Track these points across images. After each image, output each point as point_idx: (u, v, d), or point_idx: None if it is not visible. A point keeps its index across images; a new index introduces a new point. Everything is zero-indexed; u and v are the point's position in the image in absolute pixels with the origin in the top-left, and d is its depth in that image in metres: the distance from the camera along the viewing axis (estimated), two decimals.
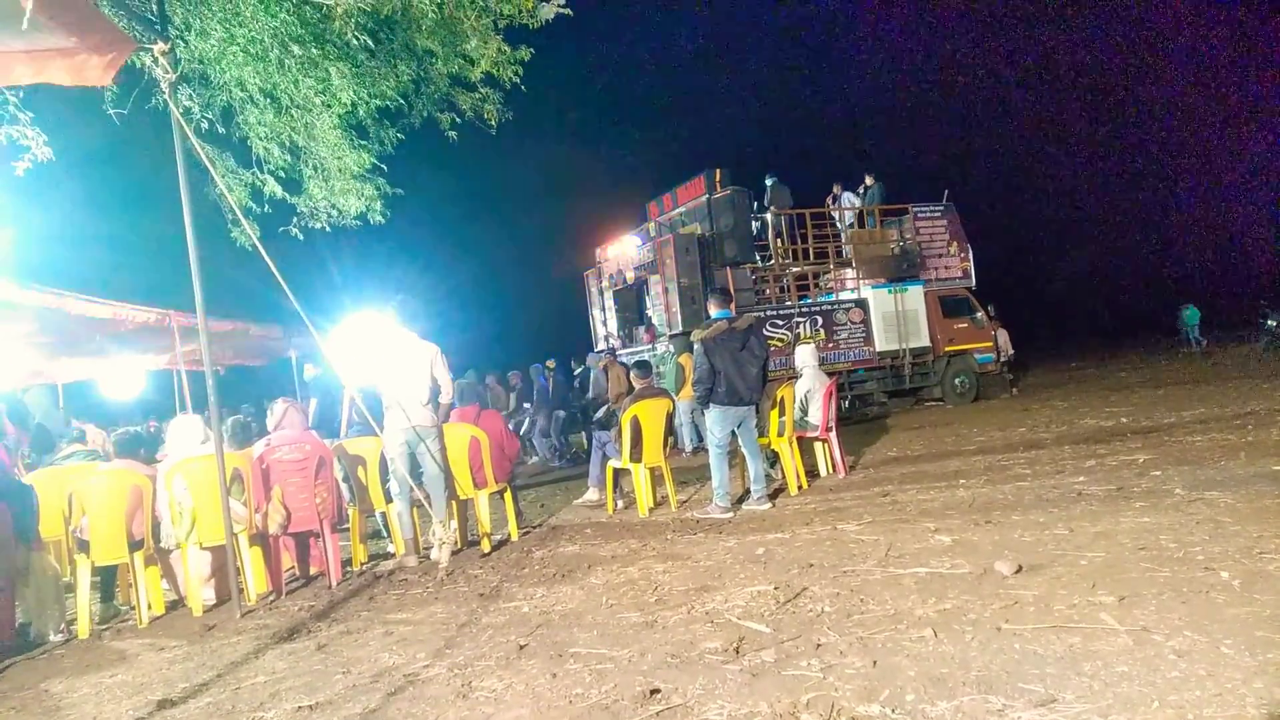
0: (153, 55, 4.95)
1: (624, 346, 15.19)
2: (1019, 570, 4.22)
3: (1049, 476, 6.88)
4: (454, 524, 6.81)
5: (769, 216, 15.35)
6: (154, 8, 6.27)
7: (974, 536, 5.10)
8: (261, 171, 8.94)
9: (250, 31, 7.33)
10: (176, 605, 5.92)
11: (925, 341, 15.24)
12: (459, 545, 6.55)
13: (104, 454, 6.84)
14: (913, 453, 9.61)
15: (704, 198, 14.57)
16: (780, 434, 7.80)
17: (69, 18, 3.82)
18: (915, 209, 15.98)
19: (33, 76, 4.12)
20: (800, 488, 7.67)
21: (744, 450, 7.14)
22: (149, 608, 5.56)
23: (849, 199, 16.45)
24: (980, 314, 15.96)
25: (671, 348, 13.01)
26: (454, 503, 6.87)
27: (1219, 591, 3.59)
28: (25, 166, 7.23)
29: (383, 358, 6.41)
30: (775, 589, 4.43)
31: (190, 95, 8.20)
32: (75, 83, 4.28)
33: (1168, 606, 3.47)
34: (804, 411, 8.41)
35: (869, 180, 16.56)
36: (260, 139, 8.66)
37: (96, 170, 11.06)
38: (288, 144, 8.80)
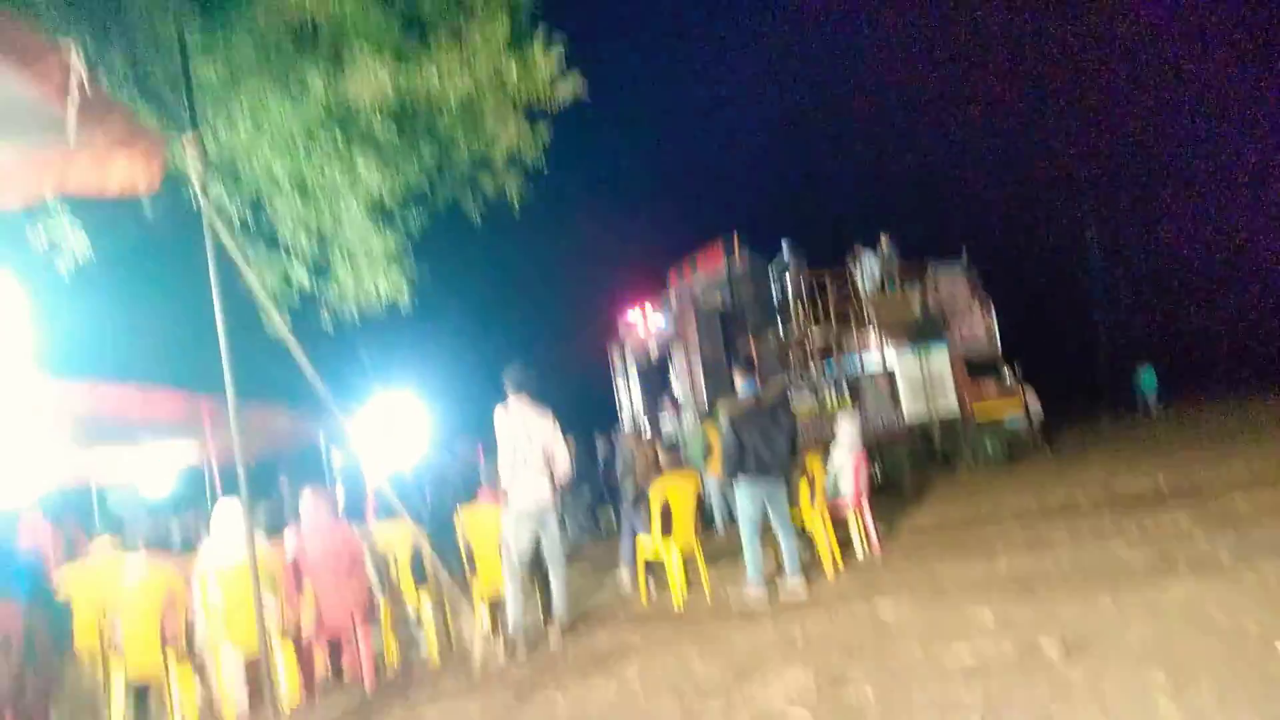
0: (183, 147, 5.09)
1: (648, 419, 15.14)
2: (1066, 649, 4.10)
3: (1090, 544, 6.73)
4: (486, 615, 6.72)
5: (788, 282, 15.36)
6: (185, 103, 6.50)
7: (1016, 612, 4.97)
8: (290, 259, 9.12)
9: (278, 123, 7.55)
10: (211, 709, 5.86)
11: (953, 405, 15.07)
12: (492, 637, 6.45)
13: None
14: (948, 521, 9.45)
15: (722, 264, 14.65)
16: (812, 507, 7.69)
17: (103, 121, 3.93)
18: (934, 268, 15.95)
19: (73, 185, 4.24)
20: (835, 562, 7.53)
21: (775, 526, 7.03)
22: (182, 715, 5.50)
23: (869, 260, 16.44)
24: (1007, 375, 15.79)
25: (697, 420, 12.96)
26: (486, 593, 6.78)
27: (1277, 664, 3.47)
28: (67, 265, 7.41)
29: (503, 427, 6.20)
30: (816, 676, 4.32)
31: (220, 187, 8.42)
32: (118, 190, 4.39)
33: (1225, 686, 3.36)
34: (835, 483, 8.31)
35: (884, 240, 16.56)
36: (288, 226, 8.85)
37: (131, 265, 11.32)
38: (315, 230, 8.99)
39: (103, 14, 6.96)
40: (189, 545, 6.83)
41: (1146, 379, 24.15)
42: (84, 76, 3.43)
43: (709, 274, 15.12)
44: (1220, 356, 35.92)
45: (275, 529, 6.40)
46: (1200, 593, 4.75)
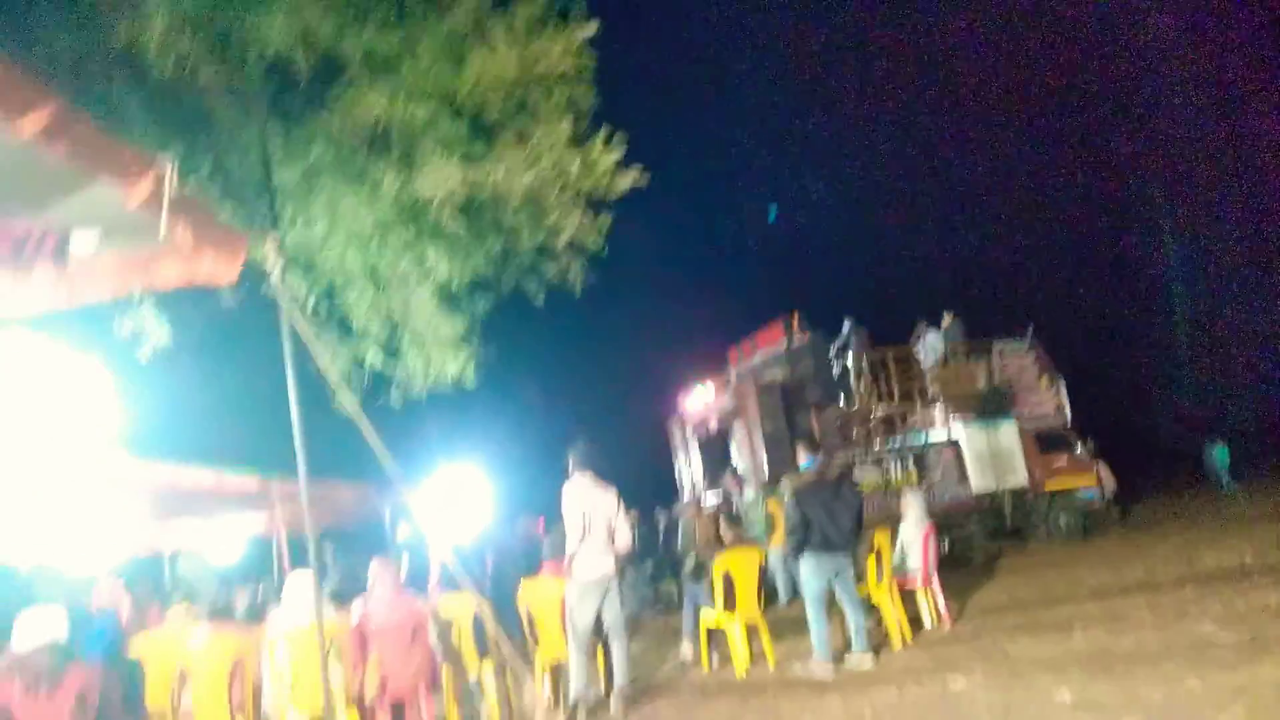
0: (265, 248, 5.37)
1: (710, 495, 15.05)
2: None
3: (1173, 623, 6.45)
4: (548, 686, 6.69)
5: (850, 359, 15.32)
6: (265, 205, 6.89)
7: (1098, 693, 4.79)
8: (361, 342, 9.42)
9: (352, 220, 7.90)
10: None
11: (1023, 479, 14.69)
12: (554, 708, 6.40)
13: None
14: (1021, 598, 9.14)
15: (783, 342, 14.68)
16: (879, 581, 7.54)
17: (193, 225, 4.19)
18: (999, 344, 15.77)
19: (159, 282, 4.50)
20: (904, 640, 7.33)
21: (842, 601, 6.90)
22: None
23: (933, 337, 16.34)
24: (1080, 449, 15.38)
25: (760, 494, 12.84)
26: (547, 663, 6.78)
27: None
28: (147, 353, 7.76)
29: (570, 502, 6.36)
30: None
31: (296, 278, 8.79)
32: (196, 281, 4.65)
33: None
34: (904, 557, 8.14)
35: (948, 318, 16.46)
36: (360, 313, 9.17)
37: (208, 351, 11.79)
38: (386, 316, 9.29)
39: (193, 123, 7.43)
40: (255, 613, 6.95)
41: (1220, 455, 23.49)
42: (175, 184, 3.70)
43: (769, 350, 15.16)
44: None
45: (343, 600, 6.49)
46: None
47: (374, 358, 9.45)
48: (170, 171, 3.68)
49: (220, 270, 4.68)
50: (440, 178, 7.52)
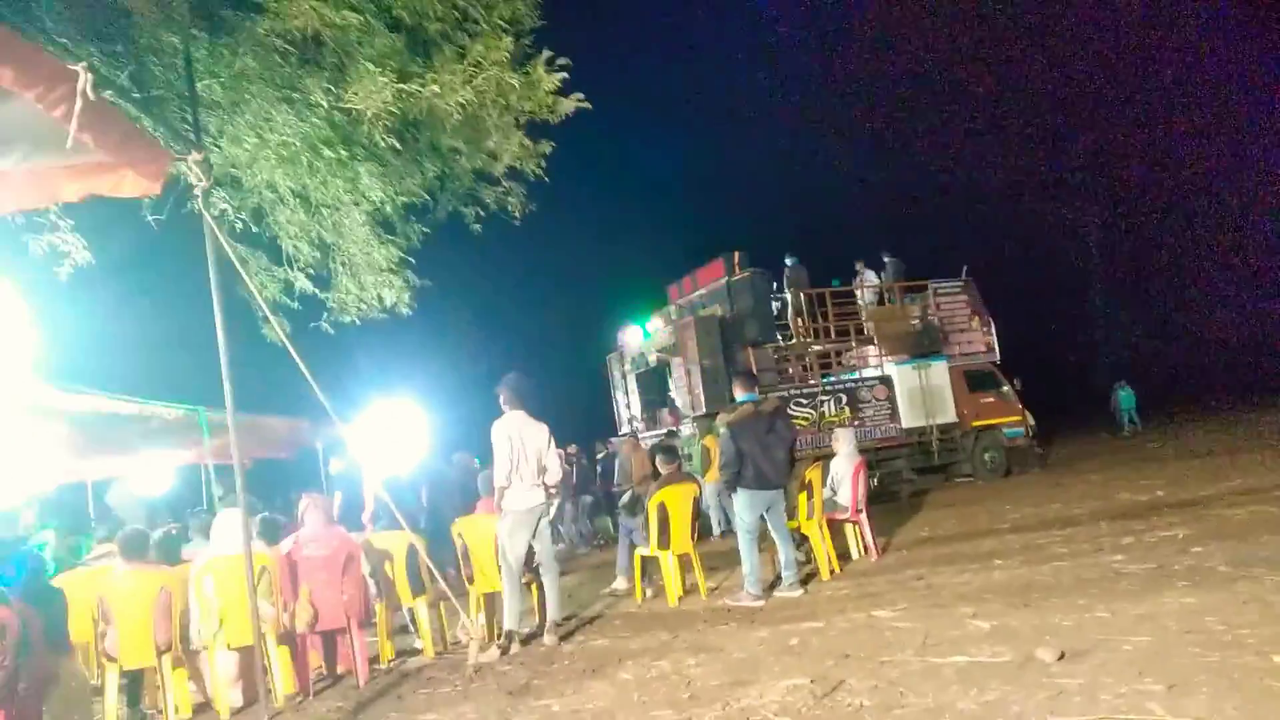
0: (188, 165, 5.13)
1: (647, 429, 15.16)
2: (1062, 657, 4.10)
3: (1087, 555, 6.73)
4: (482, 618, 6.74)
5: (789, 296, 15.44)
6: (189, 119, 6.54)
7: (1013, 621, 4.98)
8: (292, 269, 9.14)
9: (281, 137, 7.58)
10: (204, 708, 5.84)
11: (952, 417, 15.09)
12: (487, 640, 6.45)
13: None
14: (945, 532, 9.45)
15: (723, 279, 14.70)
16: (810, 516, 7.70)
17: (111, 136, 3.98)
18: (934, 285, 16.02)
19: (76, 193, 4.29)
20: (832, 572, 7.53)
21: (774, 535, 7.04)
22: (176, 711, 5.50)
23: (871, 277, 16.55)
24: (1007, 388, 15.81)
25: (696, 430, 12.98)
26: (481, 596, 6.82)
27: (1273, 677, 3.47)
28: (66, 272, 7.44)
29: (501, 435, 6.32)
30: (811, 682, 4.32)
31: (223, 198, 8.45)
32: (116, 195, 4.44)
33: (1220, 695, 3.36)
34: (834, 492, 8.32)
35: (887, 258, 16.67)
36: (290, 237, 8.87)
37: (131, 273, 11.35)
38: (317, 241, 9.01)
39: (109, 30, 7.00)
40: (174, 546, 6.80)
41: (1125, 398, 24.48)
42: (90, 92, 3.48)
43: (710, 287, 15.18)
44: (1188, 377, 36.54)
45: (274, 540, 6.40)
46: (1197, 604, 4.76)
47: (304, 283, 9.19)
48: (84, 79, 3.47)
49: (140, 184, 4.47)
50: (373, 94, 7.23)
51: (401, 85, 7.42)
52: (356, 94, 7.38)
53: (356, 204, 8.44)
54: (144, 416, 8.19)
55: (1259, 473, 10.13)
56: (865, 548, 8.31)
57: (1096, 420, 25.67)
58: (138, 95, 7.33)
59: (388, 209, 8.64)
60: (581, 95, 8.22)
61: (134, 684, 5.96)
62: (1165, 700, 3.38)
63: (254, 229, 8.89)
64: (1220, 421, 20.98)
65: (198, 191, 5.27)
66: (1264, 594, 4.75)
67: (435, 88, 7.52)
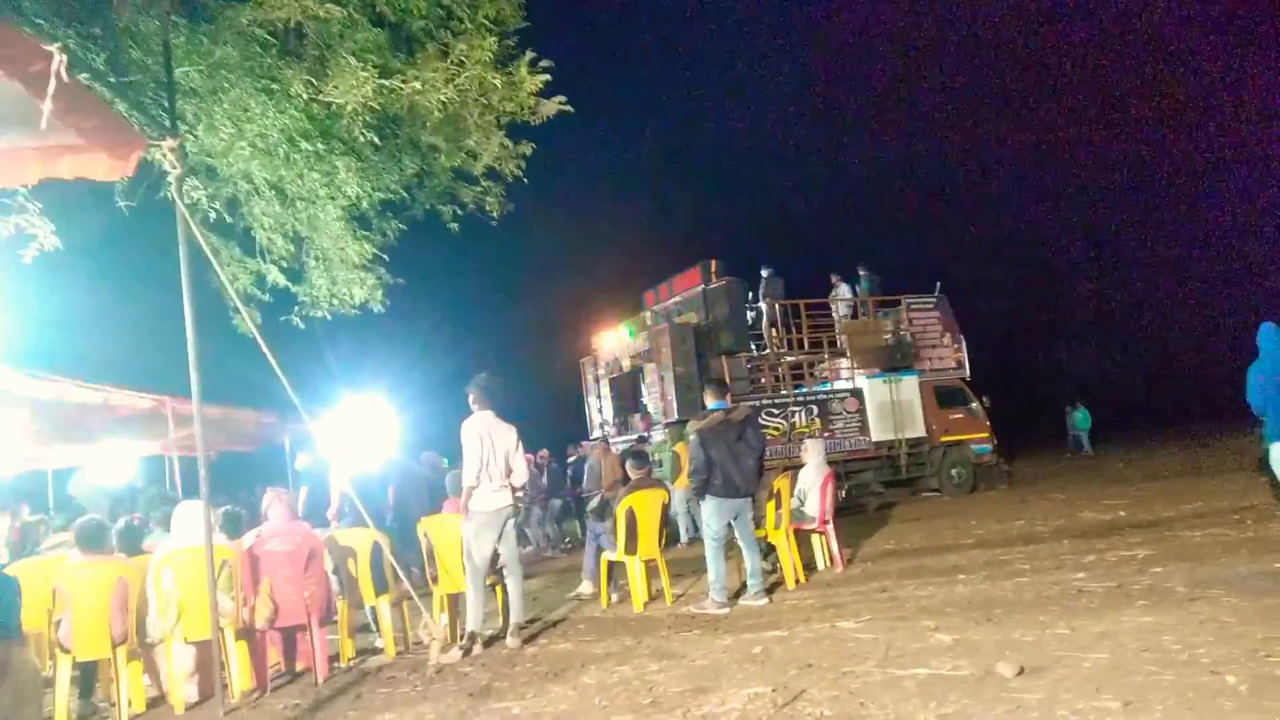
0: (162, 151, 5.07)
1: (619, 434, 15.15)
2: (1021, 673, 4.14)
3: (1049, 572, 6.80)
4: (445, 618, 6.69)
5: (764, 307, 15.51)
6: (165, 105, 6.47)
7: (975, 635, 5.02)
8: (265, 261, 9.05)
9: (259, 128, 7.51)
10: (158, 702, 5.75)
11: (921, 431, 15.20)
12: (449, 641, 6.41)
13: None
14: (910, 546, 9.51)
15: (699, 287, 14.73)
16: (777, 526, 7.73)
17: (84, 118, 3.92)
18: (908, 300, 16.16)
19: (45, 173, 4.22)
20: (798, 582, 7.56)
21: (740, 543, 7.05)
22: (129, 705, 5.39)
23: (845, 290, 16.66)
24: (976, 404, 15.96)
25: (667, 436, 12.98)
26: (445, 596, 6.77)
27: (1226, 697, 3.52)
28: (32, 254, 7.31)
29: (471, 434, 6.28)
30: (773, 691, 4.33)
31: (196, 187, 8.35)
32: (86, 177, 4.38)
33: (1174, 713, 3.40)
34: (801, 503, 8.35)
35: (862, 272, 16.79)
36: (264, 229, 8.79)
37: (100, 258, 11.19)
38: (291, 234, 8.94)
39: (87, 13, 6.91)
40: (134, 537, 6.71)
41: (1081, 419, 24.70)
42: (64, 74, 3.43)
43: (686, 294, 15.21)
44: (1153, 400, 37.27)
45: (236, 534, 6.31)
46: (1155, 623, 4.81)
47: (277, 276, 9.11)
48: (59, 60, 3.42)
49: (112, 167, 4.41)
50: (354, 86, 7.18)
51: (383, 81, 7.39)
52: (337, 87, 7.34)
53: (332, 198, 8.38)
54: (109, 405, 8.06)
55: (1219, 496, 10.28)
56: (831, 558, 8.35)
57: (1049, 439, 25.92)
58: (113, 79, 7.24)
59: (364, 204, 8.59)
60: (564, 98, 8.22)
61: (87, 676, 5.85)
62: (1121, 717, 3.42)
63: (228, 219, 8.80)
64: (1184, 445, 21.29)
65: (171, 179, 5.21)
66: (1219, 615, 4.81)
67: (417, 84, 7.50)
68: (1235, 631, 4.45)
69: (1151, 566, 6.49)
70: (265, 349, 5.75)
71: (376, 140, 8.00)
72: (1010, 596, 6.07)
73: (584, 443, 15.01)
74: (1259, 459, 8.74)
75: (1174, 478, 13.88)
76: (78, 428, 8.77)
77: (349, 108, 7.36)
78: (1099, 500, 11.58)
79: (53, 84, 3.43)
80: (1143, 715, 3.42)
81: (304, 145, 7.73)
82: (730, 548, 7.17)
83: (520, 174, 8.79)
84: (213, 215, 8.59)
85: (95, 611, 5.35)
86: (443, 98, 7.60)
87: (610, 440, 14.27)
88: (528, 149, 8.66)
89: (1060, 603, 5.64)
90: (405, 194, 9.00)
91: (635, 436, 14.34)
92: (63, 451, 10.47)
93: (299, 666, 6.24)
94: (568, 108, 8.25)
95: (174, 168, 5.15)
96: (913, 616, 5.75)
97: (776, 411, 14.14)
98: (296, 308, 9.58)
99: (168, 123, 5.72)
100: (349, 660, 6.36)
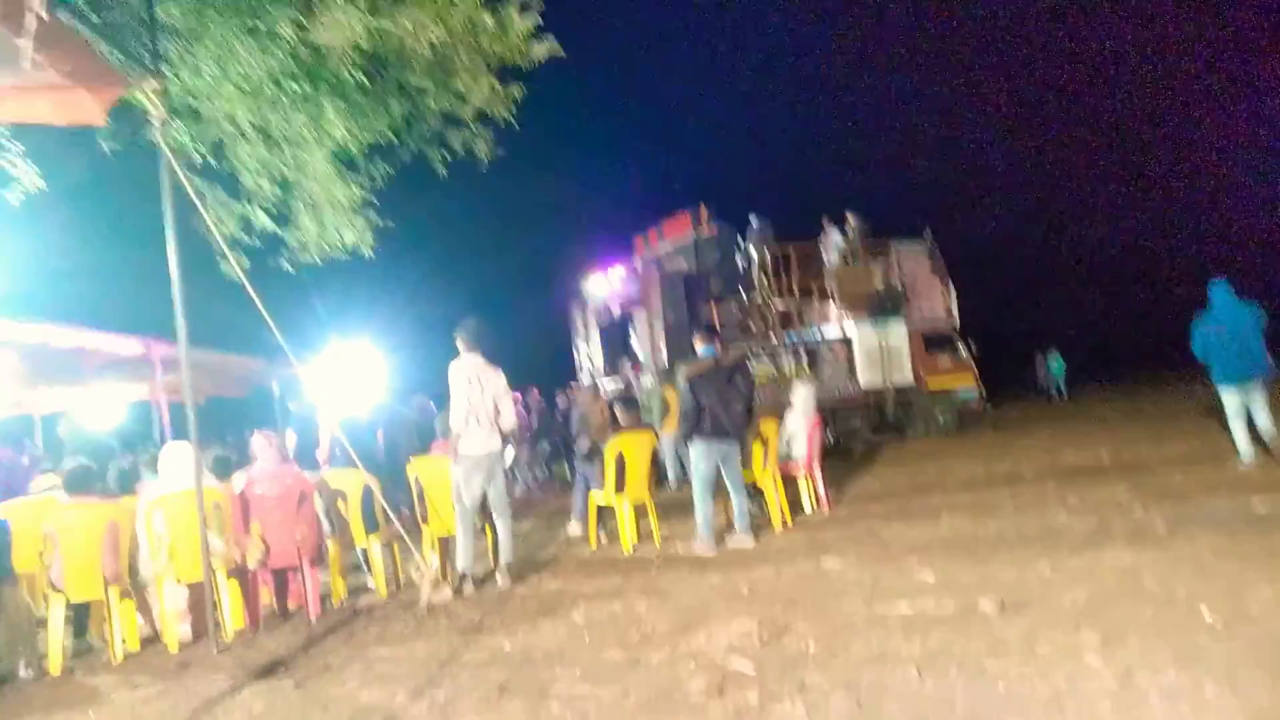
0: (145, 92, 4.97)
1: (608, 379, 15.18)
2: (1003, 608, 4.22)
3: (1031, 512, 6.90)
4: (435, 558, 6.76)
5: (753, 253, 15.45)
6: (148, 45, 6.32)
7: (958, 573, 5.10)
8: (251, 205, 8.95)
9: (244, 69, 7.36)
10: (152, 641, 5.81)
11: (908, 377, 15.29)
12: (440, 581, 6.48)
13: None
14: (896, 488, 9.62)
15: (689, 233, 14.66)
16: (764, 469, 7.80)
17: (65, 58, 3.84)
18: (897, 245, 16.09)
19: (24, 113, 4.15)
20: (784, 523, 7.65)
21: (728, 485, 7.12)
22: (123, 644, 5.46)
23: (836, 236, 16.57)
24: (962, 350, 16.03)
25: (656, 381, 13.01)
26: (436, 537, 6.83)
27: (1203, 632, 3.60)
28: (17, 197, 7.21)
29: (459, 376, 6.28)
30: (759, 627, 4.40)
31: (181, 129, 8.21)
32: (68, 121, 4.30)
33: (1152, 647, 3.48)
34: (789, 446, 8.41)
35: (851, 217, 16.67)
36: (250, 173, 8.67)
37: (85, 201, 11.03)
38: (278, 178, 8.82)
39: None
40: (128, 481, 6.73)
41: (1055, 365, 24.73)
42: (44, 12, 3.35)
43: (675, 240, 15.12)
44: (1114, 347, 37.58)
45: (225, 477, 6.33)
46: (1135, 560, 4.90)
47: (264, 220, 9.01)
48: None
49: (94, 109, 4.33)
50: (342, 26, 7.03)
51: (371, 20, 7.23)
52: (324, 27, 7.18)
53: (319, 141, 8.26)
54: (95, 350, 8.02)
55: (1201, 438, 10.40)
56: (817, 500, 8.44)
57: (1017, 384, 26.07)
58: (95, 18, 7.07)
59: (351, 147, 8.47)
60: (554, 41, 8.08)
61: (80, 615, 5.91)
62: (1100, 651, 3.50)
63: (213, 163, 8.68)
64: (1162, 390, 21.45)
65: (155, 121, 5.12)
66: (1198, 553, 4.90)
67: (407, 24, 7.34)
68: (1213, 569, 4.54)
69: (1133, 506, 6.59)
70: (253, 293, 5.71)
71: (364, 82, 7.86)
72: (993, 536, 6.16)
73: (573, 384, 15.04)
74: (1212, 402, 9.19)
75: (1157, 421, 14.02)
76: (64, 372, 8.73)
77: (337, 48, 7.21)
78: (1082, 443, 11.71)
79: (32, 21, 3.36)
80: (1120, 649, 3.49)
81: (290, 87, 7.60)
82: (718, 490, 7.23)
83: (510, 118, 8.67)
84: (198, 158, 8.45)
85: (86, 553, 5.38)
86: (432, 38, 7.45)
87: (599, 385, 14.31)
88: (517, 92, 8.53)
89: (1042, 541, 5.73)
90: (393, 137, 8.88)
91: (624, 381, 14.37)
92: (50, 395, 10.45)
93: (292, 606, 6.31)
94: (559, 50, 8.12)
95: (157, 109, 5.05)
96: (897, 556, 5.83)
97: (766, 357, 14.16)
98: (285, 252, 9.50)
99: (150, 63, 5.60)
100: (341, 600, 6.44)
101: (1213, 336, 7.94)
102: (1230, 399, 7.98)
